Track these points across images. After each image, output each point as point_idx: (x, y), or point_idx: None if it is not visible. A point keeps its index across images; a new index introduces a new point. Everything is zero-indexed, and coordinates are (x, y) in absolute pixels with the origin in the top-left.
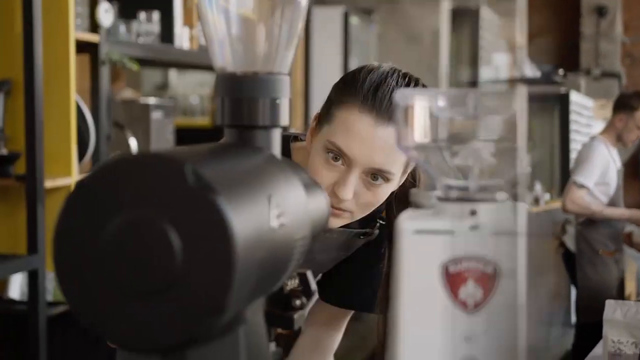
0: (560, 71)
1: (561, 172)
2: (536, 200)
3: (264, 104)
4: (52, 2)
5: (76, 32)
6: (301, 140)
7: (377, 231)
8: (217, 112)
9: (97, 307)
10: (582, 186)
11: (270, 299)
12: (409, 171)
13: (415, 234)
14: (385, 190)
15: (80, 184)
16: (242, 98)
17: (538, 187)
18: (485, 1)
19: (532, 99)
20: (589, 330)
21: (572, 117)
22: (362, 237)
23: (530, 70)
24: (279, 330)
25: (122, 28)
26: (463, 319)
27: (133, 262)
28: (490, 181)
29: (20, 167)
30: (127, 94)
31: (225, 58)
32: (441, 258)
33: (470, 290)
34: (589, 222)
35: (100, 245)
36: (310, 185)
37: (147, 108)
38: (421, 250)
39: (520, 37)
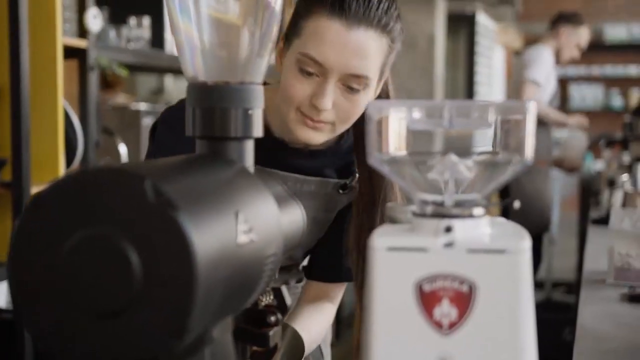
0: None
1: (465, 94)
2: None
3: (236, 115)
4: (39, 6)
5: (64, 37)
6: (265, 84)
7: (356, 185)
8: (188, 123)
9: (53, 326)
10: (534, 82)
11: (243, 315)
12: (384, 79)
13: (389, 251)
14: (363, 99)
15: (36, 198)
16: (213, 108)
17: None
18: (482, 6)
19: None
20: None
21: (477, 38)
22: (341, 191)
23: None
24: (254, 347)
25: (112, 33)
26: (438, 339)
27: (90, 281)
28: (467, 196)
29: (6, 174)
30: (121, 99)
31: (196, 67)
32: (415, 276)
33: (445, 310)
34: None
35: (56, 263)
36: (285, 198)
37: (138, 114)
38: (395, 268)
39: None
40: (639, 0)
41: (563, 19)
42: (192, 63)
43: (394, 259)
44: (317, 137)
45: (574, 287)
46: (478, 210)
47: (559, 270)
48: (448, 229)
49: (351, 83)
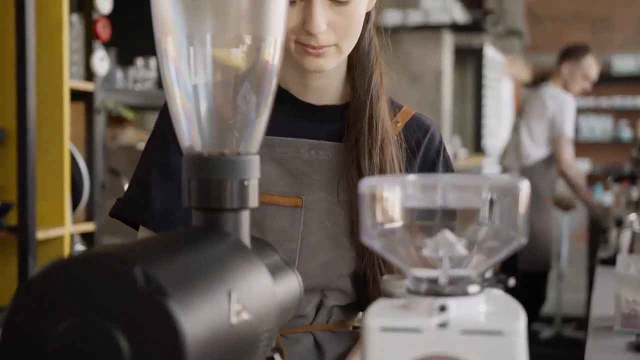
0: (490, 18)
1: (474, 127)
2: (455, 156)
3: (231, 186)
4: (47, 50)
5: (72, 80)
6: None
7: None
8: (184, 194)
9: None
10: (570, 140)
11: None
12: None
13: (382, 332)
14: (357, 8)
15: (28, 284)
16: (209, 180)
17: (456, 141)
18: (489, 39)
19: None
20: (530, 279)
21: (485, 71)
22: None
23: (460, 15)
24: None
25: (119, 74)
26: None
27: None
28: (462, 271)
29: (12, 218)
30: (129, 134)
31: (192, 137)
32: (409, 357)
33: None
34: (533, 166)
35: (47, 351)
36: (280, 267)
37: None
38: (388, 349)
39: None
40: None
41: (564, 54)
42: (188, 133)
43: (388, 339)
44: (326, 64)
45: (584, 323)
46: (473, 288)
47: (569, 305)
48: (442, 308)
49: None
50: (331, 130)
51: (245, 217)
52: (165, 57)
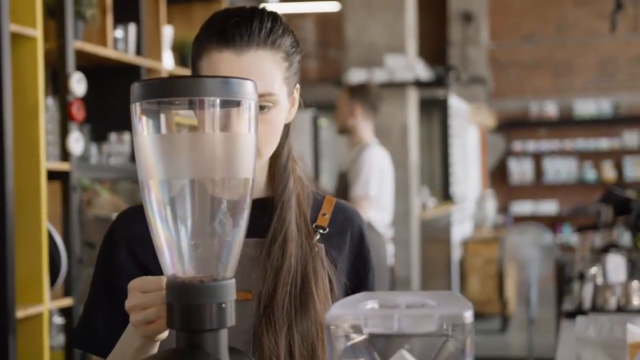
0: (452, 74)
1: (441, 175)
2: (424, 206)
3: (210, 309)
4: (24, 133)
5: (48, 161)
6: None
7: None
8: (169, 317)
9: None
10: None
11: None
12: (295, 92)
13: None
14: (276, 115)
15: None
16: (190, 305)
17: (425, 192)
18: (454, 88)
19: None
20: None
21: (450, 121)
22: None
23: (424, 72)
24: None
25: (94, 149)
26: None
27: None
28: None
29: None
30: (104, 198)
31: (174, 266)
32: None
33: None
34: None
35: None
36: None
37: None
38: None
39: (410, 37)
40: (606, 76)
41: None
42: (171, 263)
43: None
44: None
45: None
46: None
47: (540, 349)
48: None
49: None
50: (260, 225)
51: (223, 335)
52: (149, 197)
